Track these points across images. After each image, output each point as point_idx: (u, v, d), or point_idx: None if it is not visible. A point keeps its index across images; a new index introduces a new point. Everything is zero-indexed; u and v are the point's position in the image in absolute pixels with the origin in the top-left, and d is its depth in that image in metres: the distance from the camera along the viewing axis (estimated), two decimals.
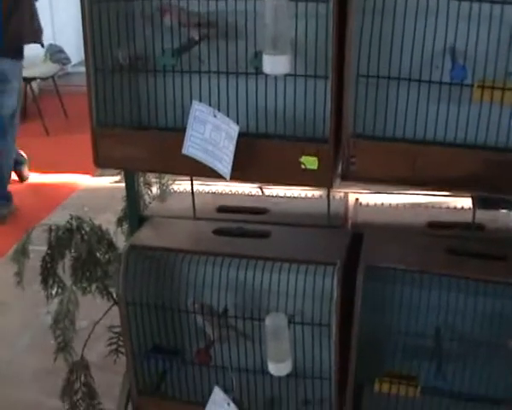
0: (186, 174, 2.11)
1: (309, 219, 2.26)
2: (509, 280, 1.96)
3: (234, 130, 1.82)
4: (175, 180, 2.57)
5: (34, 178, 6.49)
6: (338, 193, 2.39)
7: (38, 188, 6.29)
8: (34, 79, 7.46)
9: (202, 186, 2.53)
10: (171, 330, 2.24)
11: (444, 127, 1.82)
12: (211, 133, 1.85)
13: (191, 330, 2.21)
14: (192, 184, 2.31)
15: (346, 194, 2.39)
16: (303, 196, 2.51)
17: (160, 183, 2.56)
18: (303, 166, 1.84)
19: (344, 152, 1.82)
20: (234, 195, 2.55)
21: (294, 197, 2.49)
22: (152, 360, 2.24)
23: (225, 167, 1.83)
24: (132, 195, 2.30)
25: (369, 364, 2.08)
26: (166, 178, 2.57)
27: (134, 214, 2.32)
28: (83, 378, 2.61)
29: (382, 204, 2.44)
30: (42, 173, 6.55)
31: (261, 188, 2.83)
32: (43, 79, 7.41)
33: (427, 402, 2.11)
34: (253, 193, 2.58)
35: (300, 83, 1.84)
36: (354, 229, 2.21)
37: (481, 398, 2.10)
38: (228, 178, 1.83)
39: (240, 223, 2.23)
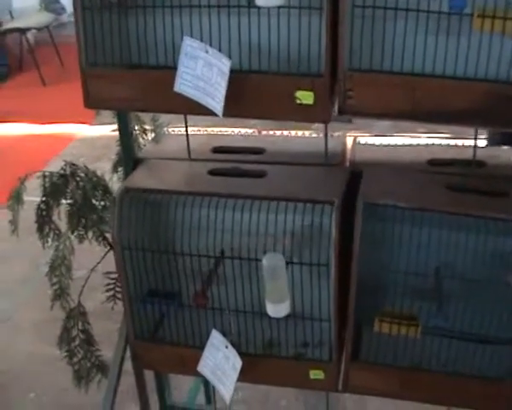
0: (178, 112, 2.04)
1: (306, 158, 2.21)
2: (510, 217, 1.92)
3: (226, 65, 1.77)
4: (169, 124, 2.52)
5: (31, 128, 6.45)
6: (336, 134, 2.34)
7: (35, 138, 6.26)
8: (29, 29, 7.38)
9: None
10: (167, 274, 2.21)
11: (443, 59, 1.76)
12: (202, 69, 1.80)
13: (188, 273, 2.18)
14: (186, 124, 2.25)
15: (344, 133, 2.34)
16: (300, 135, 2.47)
17: (154, 124, 2.51)
18: (298, 102, 1.78)
19: (340, 86, 1.77)
20: (229, 135, 2.50)
21: (291, 136, 2.44)
22: (149, 305, 2.21)
23: (218, 104, 1.78)
24: (126, 136, 2.25)
25: (369, 304, 2.05)
26: (161, 119, 2.52)
27: (128, 157, 2.27)
28: (80, 325, 2.59)
29: (381, 143, 2.39)
30: (39, 124, 6.51)
31: (259, 131, 2.79)
32: (38, 29, 7.33)
33: (428, 342, 2.09)
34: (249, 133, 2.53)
35: (294, 16, 1.79)
36: (352, 167, 2.16)
37: (482, 338, 2.08)
38: (220, 114, 1.78)
39: (235, 163, 2.19)
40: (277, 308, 1.97)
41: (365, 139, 2.37)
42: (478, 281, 2.06)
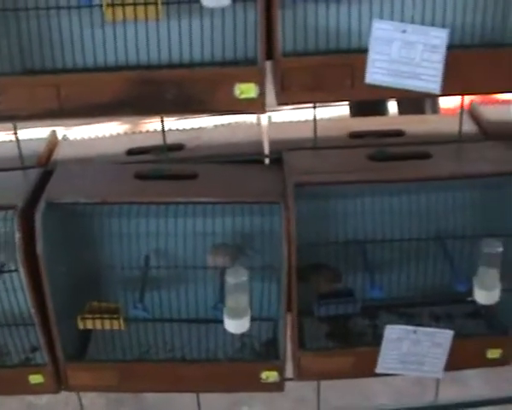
0: None
1: (6, 163, 2.16)
2: (200, 199, 1.94)
3: None
4: None
5: None
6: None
7: None
8: None
9: None
10: None
11: (81, 52, 1.77)
12: None
13: None
14: None
15: (54, 132, 2.32)
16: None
17: None
18: None
19: None
20: None
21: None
22: None
23: None
24: None
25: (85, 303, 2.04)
26: None
27: None
28: None
29: (90, 137, 2.37)
30: None
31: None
32: None
33: (155, 331, 2.13)
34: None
35: None
36: (52, 166, 2.12)
37: (189, 320, 2.11)
38: None
39: None
40: None
41: (76, 134, 2.35)
42: (190, 266, 2.07)
